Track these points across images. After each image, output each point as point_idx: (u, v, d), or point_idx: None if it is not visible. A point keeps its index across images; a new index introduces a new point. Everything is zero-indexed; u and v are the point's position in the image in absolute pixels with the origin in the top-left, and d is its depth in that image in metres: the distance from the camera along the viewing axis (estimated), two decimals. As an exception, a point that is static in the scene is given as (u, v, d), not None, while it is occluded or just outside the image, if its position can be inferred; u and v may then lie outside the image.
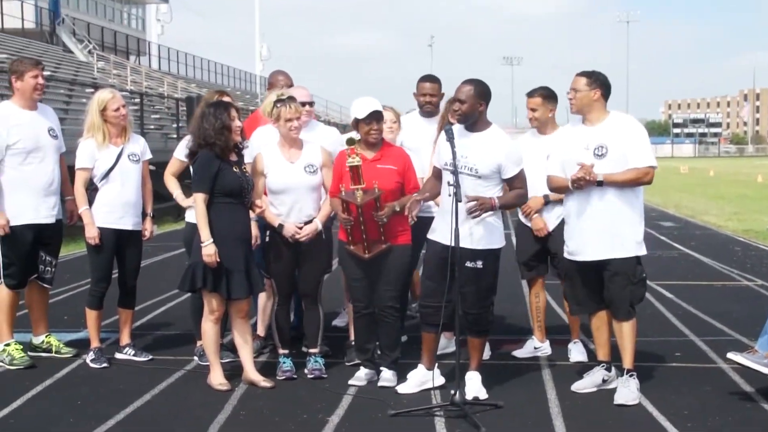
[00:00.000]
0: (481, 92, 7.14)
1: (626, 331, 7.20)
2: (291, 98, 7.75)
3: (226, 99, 8.02)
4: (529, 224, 8.33)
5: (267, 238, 7.79)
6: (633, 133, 7.14)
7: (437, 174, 7.28)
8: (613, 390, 7.17)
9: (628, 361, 7.20)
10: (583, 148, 7.16)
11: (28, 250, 8.33)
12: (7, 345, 8.32)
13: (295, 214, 7.65)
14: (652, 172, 7.13)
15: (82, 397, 7.34)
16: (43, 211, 8.33)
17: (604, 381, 7.37)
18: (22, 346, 8.39)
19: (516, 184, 7.14)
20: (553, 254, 8.21)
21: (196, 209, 7.43)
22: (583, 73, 7.29)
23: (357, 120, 7.52)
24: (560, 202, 7.89)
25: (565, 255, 7.45)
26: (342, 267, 7.83)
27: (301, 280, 7.88)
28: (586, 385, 7.39)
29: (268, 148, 7.78)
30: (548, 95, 8.26)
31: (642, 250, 7.22)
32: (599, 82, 7.20)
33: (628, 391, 7.07)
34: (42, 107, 8.58)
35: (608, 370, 7.40)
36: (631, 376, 7.17)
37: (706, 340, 9.16)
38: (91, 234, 8.21)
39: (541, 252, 8.36)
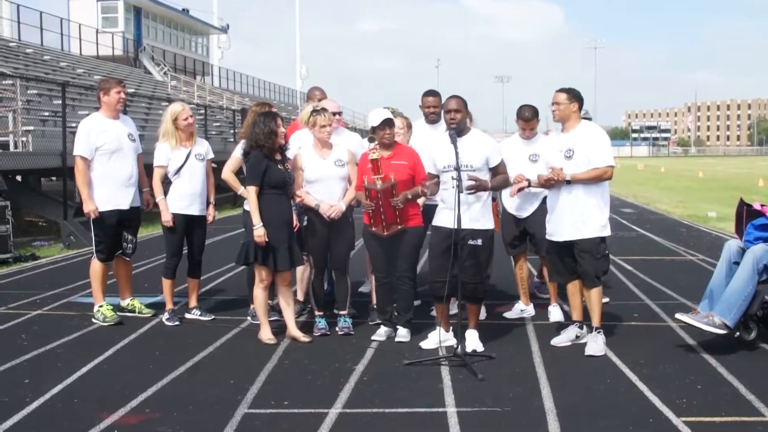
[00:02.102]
0: (466, 103, 7.20)
1: (594, 297, 7.17)
2: (324, 109, 7.78)
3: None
4: (511, 212, 8.39)
5: (305, 222, 7.77)
6: (595, 139, 7.16)
7: (432, 178, 7.25)
8: (584, 344, 7.14)
9: (596, 321, 7.17)
10: (558, 151, 7.23)
11: (114, 231, 8.37)
12: (101, 306, 8.37)
13: (326, 199, 7.65)
14: (611, 170, 7.14)
15: (159, 348, 7.36)
16: (124, 200, 8.35)
17: (577, 337, 7.33)
18: (112, 307, 8.42)
19: (500, 170, 7.18)
20: (531, 235, 8.29)
21: (248, 199, 7.43)
22: (563, 90, 7.27)
23: (373, 127, 7.53)
24: (538, 193, 8.11)
25: (547, 236, 7.44)
26: (366, 245, 7.82)
27: (332, 255, 7.87)
28: (562, 340, 7.35)
29: (305, 148, 7.78)
30: (537, 112, 8.40)
31: (606, 232, 7.19)
32: (576, 97, 7.21)
33: (596, 345, 7.03)
34: (123, 117, 8.62)
35: (580, 328, 7.36)
36: (598, 332, 7.14)
37: (658, 303, 9.11)
38: (166, 218, 8.22)
39: (522, 234, 8.41)
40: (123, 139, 8.36)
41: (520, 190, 7.76)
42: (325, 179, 7.66)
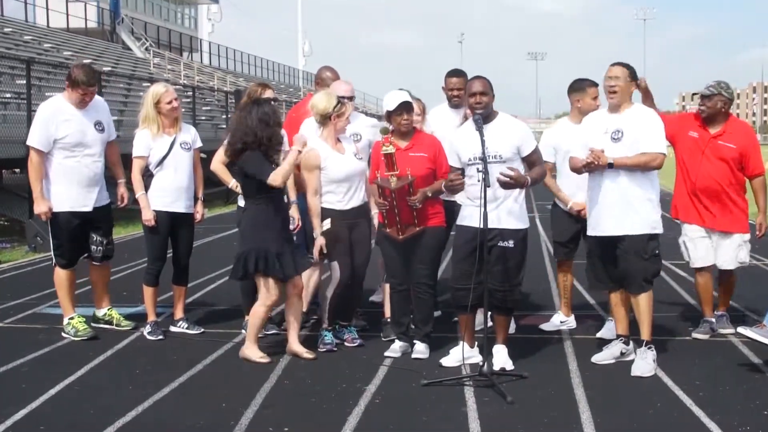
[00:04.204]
0: (491, 85, 7.19)
1: (642, 305, 7.16)
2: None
3: (268, 92, 8.08)
4: (564, 207, 8.34)
5: (324, 227, 7.70)
6: (648, 122, 7.16)
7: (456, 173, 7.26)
8: (631, 362, 7.14)
9: (645, 334, 7.15)
10: (602, 132, 7.20)
11: (75, 234, 8.35)
12: (71, 318, 8.39)
13: (354, 198, 7.73)
14: (662, 158, 7.10)
15: (140, 366, 7.39)
16: (86, 201, 8.31)
17: (622, 354, 7.32)
18: (84, 319, 8.45)
19: (535, 160, 7.17)
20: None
21: (291, 190, 7.75)
22: (623, 65, 7.27)
23: (389, 112, 7.54)
24: None
25: (588, 230, 7.45)
26: (380, 247, 7.84)
27: (354, 263, 7.84)
28: (605, 357, 7.35)
29: (317, 143, 7.76)
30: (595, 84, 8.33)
31: (657, 229, 7.19)
32: (634, 76, 7.24)
33: (644, 363, 7.02)
34: (94, 100, 8.49)
35: (626, 343, 7.35)
36: (648, 348, 7.11)
37: (717, 315, 9.06)
38: (147, 217, 8.24)
39: (576, 235, 8.35)
40: (88, 131, 8.31)
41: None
42: (351, 176, 7.71)
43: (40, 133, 8.18)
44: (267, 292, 7.45)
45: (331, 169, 7.68)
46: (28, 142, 8.25)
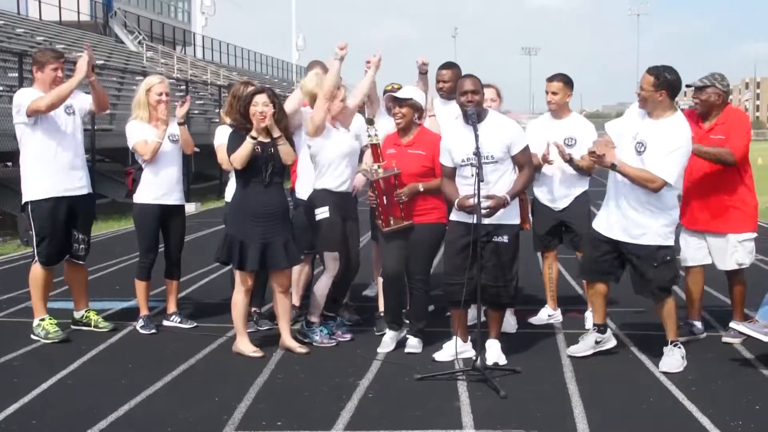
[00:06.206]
0: (482, 83, 7.16)
1: (662, 312, 7.09)
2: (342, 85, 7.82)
3: (251, 89, 8.08)
4: (545, 203, 8.34)
5: (321, 216, 7.69)
6: (668, 142, 6.79)
7: (449, 174, 7.22)
8: (614, 352, 7.26)
9: (670, 335, 7.10)
10: (631, 137, 6.96)
11: (61, 226, 8.03)
12: (42, 320, 8.12)
13: (349, 180, 7.68)
14: (660, 183, 6.73)
15: (132, 360, 7.38)
16: (70, 184, 8.05)
17: (597, 342, 7.31)
18: (56, 321, 8.17)
19: (523, 159, 7.06)
20: (569, 228, 8.22)
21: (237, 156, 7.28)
22: (652, 72, 6.86)
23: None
24: (577, 182, 8.13)
25: (595, 223, 7.29)
26: (377, 241, 7.84)
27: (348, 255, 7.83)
28: (580, 349, 7.34)
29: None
30: (568, 81, 8.25)
31: (667, 240, 7.01)
32: (666, 84, 6.79)
33: (671, 359, 6.98)
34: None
35: (601, 332, 7.32)
36: (675, 346, 7.05)
37: (708, 309, 9.01)
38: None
39: (556, 227, 8.35)
40: (60, 114, 8.01)
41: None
42: (353, 153, 7.70)
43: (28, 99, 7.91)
44: (238, 281, 7.52)
45: (331, 147, 7.59)
46: (28, 108, 7.92)
